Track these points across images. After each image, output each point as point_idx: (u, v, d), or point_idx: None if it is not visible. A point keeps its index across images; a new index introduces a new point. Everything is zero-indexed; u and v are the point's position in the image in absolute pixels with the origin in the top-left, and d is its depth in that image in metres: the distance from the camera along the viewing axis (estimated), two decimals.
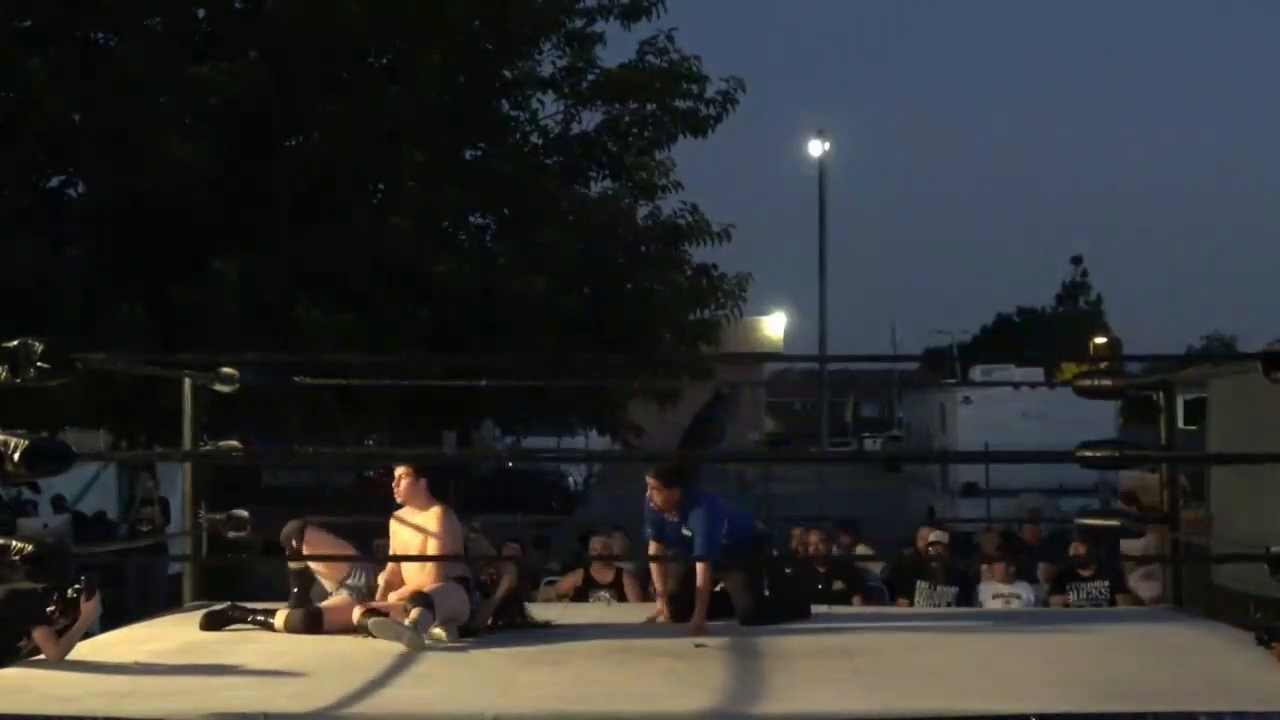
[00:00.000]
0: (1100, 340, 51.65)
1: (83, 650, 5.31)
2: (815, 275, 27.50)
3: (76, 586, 5.28)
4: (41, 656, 5.12)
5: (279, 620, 6.08)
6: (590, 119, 14.39)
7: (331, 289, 11.68)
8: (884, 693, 4.61)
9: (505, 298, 12.38)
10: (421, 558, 6.02)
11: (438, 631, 5.72)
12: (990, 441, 14.89)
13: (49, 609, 5.17)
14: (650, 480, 6.65)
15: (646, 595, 8.42)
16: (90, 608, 5.29)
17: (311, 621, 6.02)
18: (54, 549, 4.92)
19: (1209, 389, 16.06)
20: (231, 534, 7.27)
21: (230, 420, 8.02)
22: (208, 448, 7.07)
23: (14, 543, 4.56)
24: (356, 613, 5.84)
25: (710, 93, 14.07)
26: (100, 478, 18.01)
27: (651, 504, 6.67)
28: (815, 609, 6.86)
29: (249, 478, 13.46)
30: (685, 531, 6.58)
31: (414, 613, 5.60)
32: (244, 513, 7.17)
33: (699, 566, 6.37)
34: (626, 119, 14.25)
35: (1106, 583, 8.49)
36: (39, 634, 5.10)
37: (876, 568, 9.67)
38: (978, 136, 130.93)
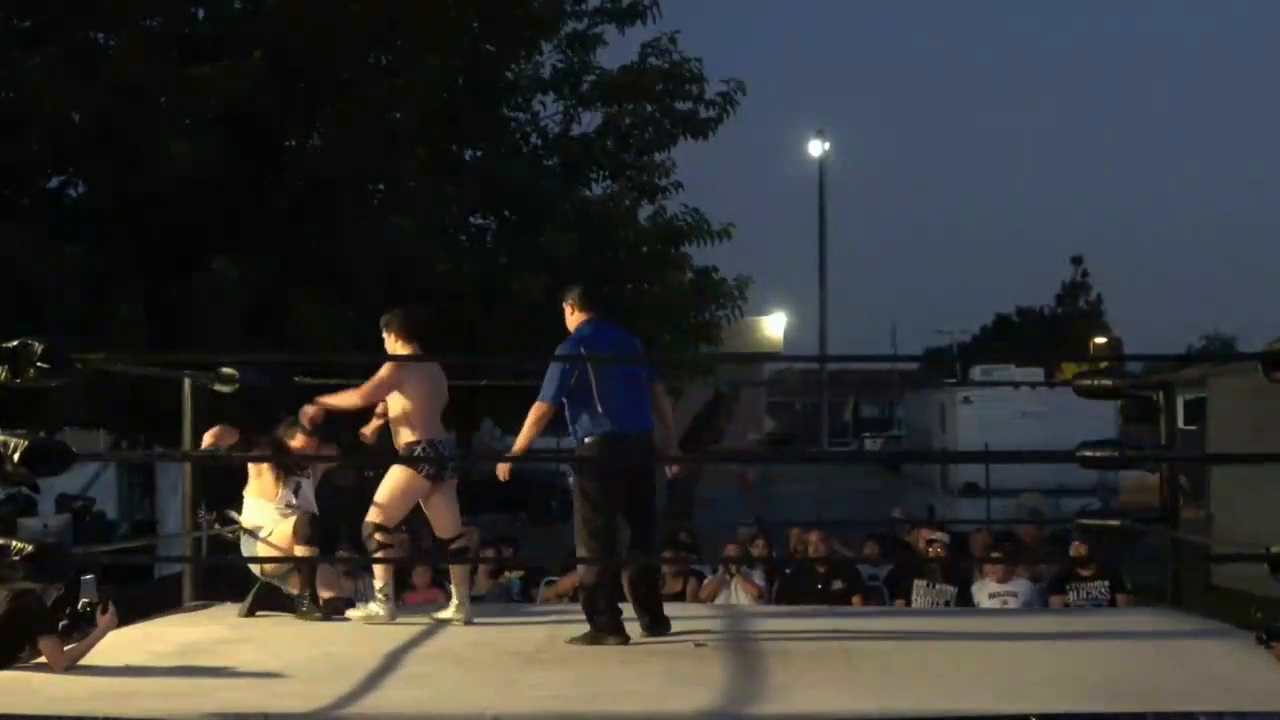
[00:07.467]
0: (1100, 340, 51.58)
1: None
2: (815, 275, 27.40)
3: (92, 601, 5.28)
4: (42, 660, 5.11)
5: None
6: (590, 120, 14.41)
7: (332, 288, 11.67)
8: (884, 693, 4.61)
9: (505, 298, 12.37)
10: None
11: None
12: (990, 441, 14.87)
13: (61, 622, 5.15)
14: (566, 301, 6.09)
15: None
16: (106, 621, 5.27)
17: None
18: (54, 549, 4.93)
19: (1209, 389, 16.09)
20: (230, 534, 7.28)
21: (230, 420, 7.99)
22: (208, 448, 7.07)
23: (14, 543, 4.56)
24: None
25: (710, 94, 14.08)
26: (100, 478, 17.98)
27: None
28: (815, 609, 6.86)
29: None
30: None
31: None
32: None
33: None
34: (627, 120, 14.25)
35: (1106, 583, 8.49)
36: (44, 644, 5.08)
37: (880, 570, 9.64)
38: (977, 136, 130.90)
